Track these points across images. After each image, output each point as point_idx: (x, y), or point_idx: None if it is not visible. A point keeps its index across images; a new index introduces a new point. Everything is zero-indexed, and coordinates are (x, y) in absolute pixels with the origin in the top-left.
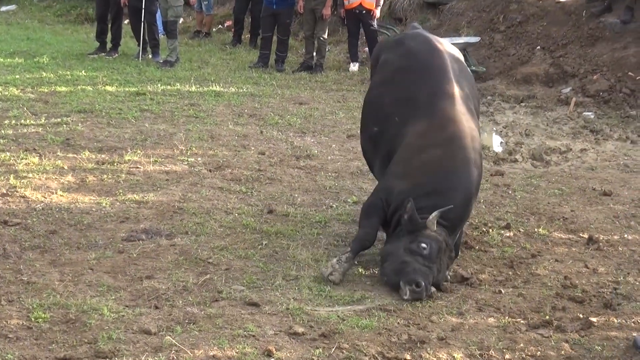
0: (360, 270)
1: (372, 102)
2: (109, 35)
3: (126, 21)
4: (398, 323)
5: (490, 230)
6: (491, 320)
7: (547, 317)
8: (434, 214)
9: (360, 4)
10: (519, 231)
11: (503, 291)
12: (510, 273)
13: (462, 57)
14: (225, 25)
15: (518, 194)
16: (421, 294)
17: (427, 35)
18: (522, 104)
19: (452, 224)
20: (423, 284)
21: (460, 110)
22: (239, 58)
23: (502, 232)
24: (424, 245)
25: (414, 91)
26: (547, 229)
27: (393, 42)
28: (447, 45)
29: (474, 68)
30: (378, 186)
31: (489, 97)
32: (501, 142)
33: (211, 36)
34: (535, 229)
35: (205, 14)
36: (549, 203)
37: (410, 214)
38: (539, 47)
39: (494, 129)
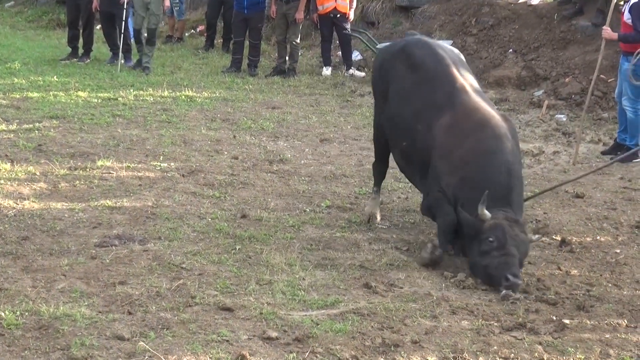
0: (333, 274)
1: (393, 118)
2: (81, 41)
3: (98, 27)
4: (372, 327)
5: None
6: (465, 323)
7: (521, 319)
8: (480, 205)
9: (335, 7)
10: None
11: (477, 294)
12: None
13: (462, 57)
14: (198, 30)
15: None
16: (516, 284)
17: (428, 42)
18: (495, 107)
19: (509, 201)
20: (509, 275)
21: (477, 99)
22: (212, 63)
23: None
24: (490, 239)
25: (431, 98)
26: None
27: (396, 51)
28: (448, 49)
29: None
30: (430, 188)
31: None
32: None
33: (184, 41)
34: None
35: (177, 19)
36: None
37: (463, 220)
38: (511, 50)
39: None
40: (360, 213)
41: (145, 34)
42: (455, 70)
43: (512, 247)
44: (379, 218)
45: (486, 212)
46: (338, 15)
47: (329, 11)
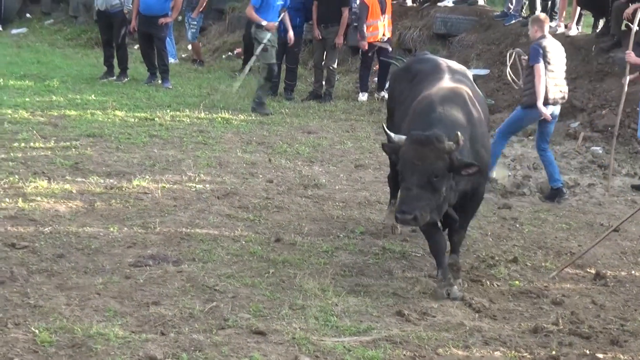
0: (366, 300)
1: (397, 127)
2: (117, 60)
3: (136, 46)
4: (404, 355)
5: (498, 263)
6: (497, 354)
7: (554, 352)
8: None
9: (383, 33)
10: (526, 265)
11: (509, 325)
12: (516, 307)
13: (469, 74)
14: (235, 52)
15: (525, 227)
16: (403, 221)
17: (431, 57)
18: (531, 138)
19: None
20: (397, 214)
21: (451, 83)
22: (248, 85)
23: (509, 265)
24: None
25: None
26: (555, 263)
27: (401, 69)
28: (453, 63)
29: None
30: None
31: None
32: (509, 176)
33: (203, 64)
34: (543, 264)
35: (191, 42)
36: (556, 237)
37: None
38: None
39: (502, 162)
40: (392, 236)
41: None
42: (447, 74)
43: (408, 173)
44: (399, 229)
45: (391, 134)
46: (385, 39)
47: (378, 38)
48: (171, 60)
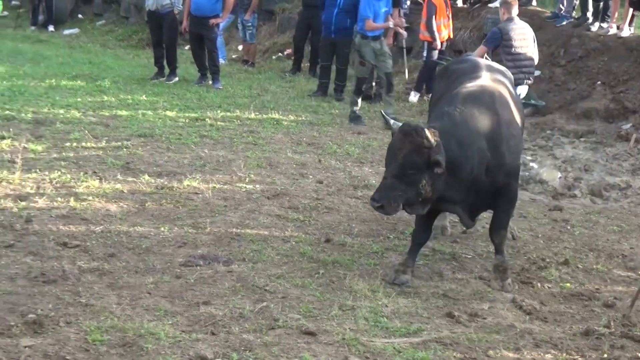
0: (416, 302)
1: None
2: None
3: (187, 47)
4: (454, 357)
5: (549, 265)
6: (548, 356)
7: (605, 355)
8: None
9: (449, 35)
10: (577, 267)
11: (561, 328)
12: (568, 309)
13: (510, 75)
14: (285, 53)
15: (577, 229)
16: (375, 207)
17: (471, 57)
18: (582, 139)
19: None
20: (371, 201)
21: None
22: (298, 86)
23: (561, 267)
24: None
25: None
26: (606, 265)
27: (442, 70)
28: (493, 63)
29: (533, 102)
30: None
31: (548, 132)
32: (560, 177)
33: (254, 66)
34: (594, 266)
35: (249, 43)
36: (608, 240)
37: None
38: (599, 82)
39: (553, 163)
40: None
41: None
42: (484, 73)
43: (387, 161)
44: (449, 231)
45: (389, 119)
46: (448, 39)
47: (445, 39)
48: (221, 60)
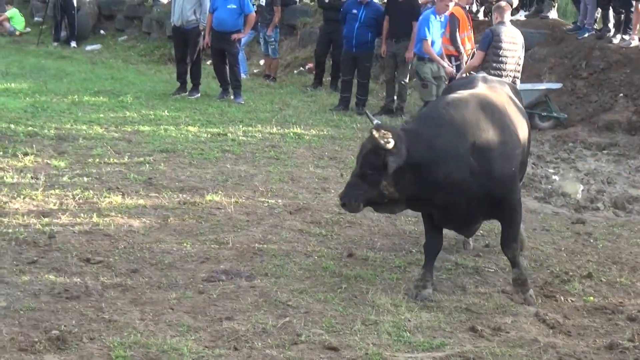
0: (439, 316)
1: None
2: (189, 76)
3: (208, 62)
4: None
5: (572, 279)
6: None
7: None
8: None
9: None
10: (601, 280)
11: (584, 341)
12: (591, 323)
13: (506, 87)
14: (307, 67)
15: (600, 242)
16: (342, 205)
17: (480, 75)
18: (604, 152)
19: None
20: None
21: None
22: (320, 100)
23: (584, 281)
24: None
25: None
26: (630, 279)
27: (446, 88)
28: (492, 77)
29: (555, 114)
30: None
31: (570, 144)
32: (582, 190)
33: (275, 80)
34: (617, 279)
35: (272, 58)
36: (631, 253)
37: None
38: (621, 95)
39: (576, 176)
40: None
41: None
42: (479, 84)
43: (356, 160)
44: (471, 245)
45: (373, 117)
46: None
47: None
48: (242, 75)
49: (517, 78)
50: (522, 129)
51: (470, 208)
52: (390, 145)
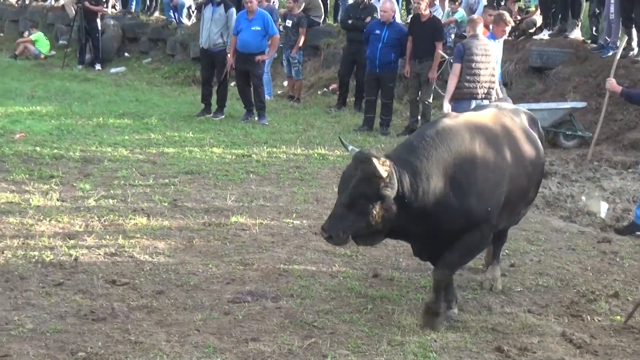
0: (465, 336)
1: None
2: (215, 97)
3: (232, 83)
4: None
5: (598, 298)
6: None
7: None
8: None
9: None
10: (628, 300)
11: None
12: (619, 343)
13: (527, 116)
14: (330, 88)
15: (626, 262)
16: (325, 237)
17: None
18: (630, 170)
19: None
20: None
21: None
22: (344, 121)
23: (610, 300)
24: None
25: None
26: None
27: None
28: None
29: (580, 133)
30: None
31: (595, 163)
32: (608, 209)
33: (299, 101)
34: None
35: (295, 79)
36: None
37: None
38: None
39: (601, 195)
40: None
41: None
42: (489, 109)
43: (339, 189)
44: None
45: (347, 144)
46: None
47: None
48: (267, 97)
49: (492, 89)
50: (521, 163)
51: (444, 240)
52: (385, 174)
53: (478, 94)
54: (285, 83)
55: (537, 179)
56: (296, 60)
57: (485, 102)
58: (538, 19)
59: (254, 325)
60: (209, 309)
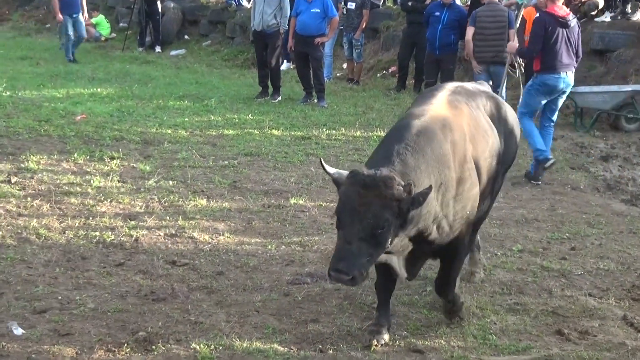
0: (525, 319)
1: None
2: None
3: (293, 66)
4: None
5: None
6: None
7: None
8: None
9: None
10: None
11: None
12: None
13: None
14: (390, 70)
15: None
16: (338, 280)
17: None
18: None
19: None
20: (331, 272)
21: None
22: (403, 104)
23: None
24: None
25: None
26: None
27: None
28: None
29: None
30: None
31: None
32: None
33: (359, 84)
34: None
35: (356, 62)
36: None
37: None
38: None
39: None
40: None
41: None
42: (444, 99)
43: (347, 221)
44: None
45: (328, 168)
46: None
47: None
48: (325, 79)
49: (500, 52)
50: (483, 154)
51: (419, 250)
52: (405, 194)
53: (488, 57)
54: (345, 65)
55: (498, 168)
56: (359, 43)
57: (496, 67)
58: (600, 1)
59: (313, 306)
60: (268, 290)
